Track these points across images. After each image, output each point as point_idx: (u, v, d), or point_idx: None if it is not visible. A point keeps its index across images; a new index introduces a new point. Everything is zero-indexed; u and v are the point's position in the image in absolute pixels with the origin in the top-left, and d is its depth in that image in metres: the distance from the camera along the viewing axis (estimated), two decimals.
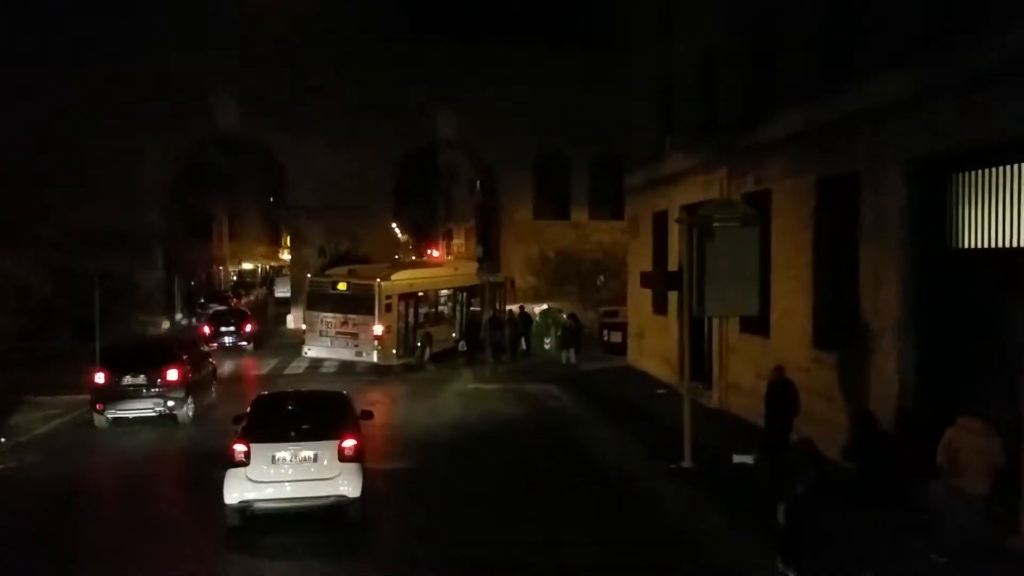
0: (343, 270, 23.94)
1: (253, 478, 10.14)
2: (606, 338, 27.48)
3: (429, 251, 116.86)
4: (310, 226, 38.15)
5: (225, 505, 10.18)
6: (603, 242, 40.68)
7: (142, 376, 16.40)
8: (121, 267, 35.72)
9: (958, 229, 10.29)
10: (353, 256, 37.21)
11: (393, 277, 22.60)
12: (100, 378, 16.40)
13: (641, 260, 22.43)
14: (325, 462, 10.31)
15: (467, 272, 29.79)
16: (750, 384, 15.03)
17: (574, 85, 37.92)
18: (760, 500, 10.23)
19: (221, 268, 56.29)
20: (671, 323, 19.46)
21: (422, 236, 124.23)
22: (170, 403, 16.42)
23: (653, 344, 21.16)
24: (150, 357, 17.03)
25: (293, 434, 10.54)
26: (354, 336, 21.58)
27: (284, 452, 10.28)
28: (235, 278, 61.96)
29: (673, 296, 18.96)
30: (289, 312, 38.87)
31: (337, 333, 21.81)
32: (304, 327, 23.39)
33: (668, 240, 19.88)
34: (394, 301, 21.88)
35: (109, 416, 16.37)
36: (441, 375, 23.36)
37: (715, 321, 16.13)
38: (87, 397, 16.87)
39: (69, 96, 34.36)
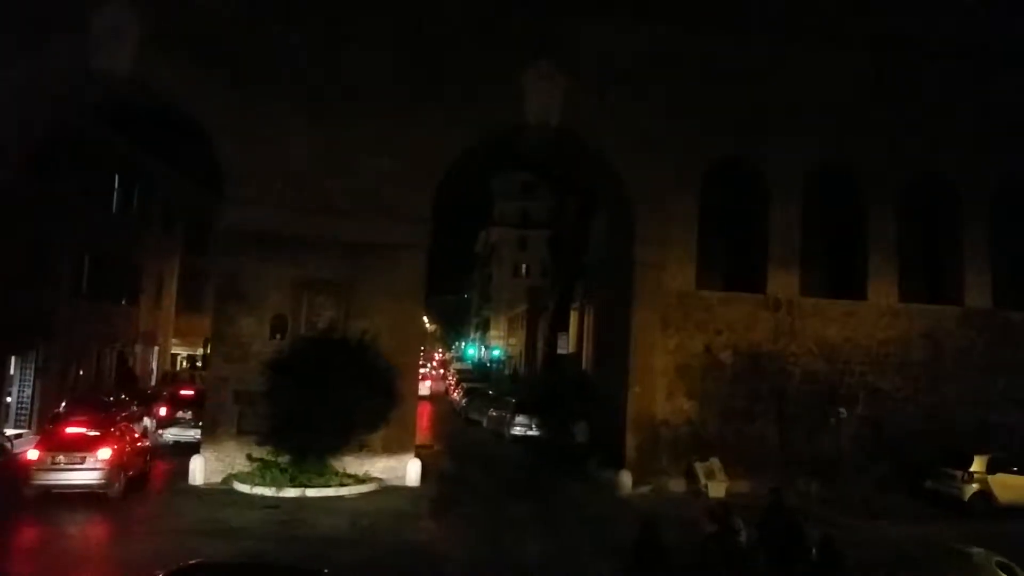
0: None
1: None
2: None
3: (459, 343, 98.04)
4: (260, 273, 18.91)
5: None
6: (827, 338, 21.28)
7: (189, 412, 24.11)
8: None
9: None
10: (338, 336, 18.23)
11: None
12: (163, 411, 24.89)
13: None
14: None
15: None
16: None
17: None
18: None
19: (156, 348, 36.72)
20: None
21: (448, 327, 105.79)
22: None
23: None
24: (194, 400, 24.21)
25: None
26: None
27: None
28: (197, 363, 41.07)
29: None
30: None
31: None
32: None
33: None
34: None
35: (169, 437, 23.83)
36: None
37: None
38: None
39: None
